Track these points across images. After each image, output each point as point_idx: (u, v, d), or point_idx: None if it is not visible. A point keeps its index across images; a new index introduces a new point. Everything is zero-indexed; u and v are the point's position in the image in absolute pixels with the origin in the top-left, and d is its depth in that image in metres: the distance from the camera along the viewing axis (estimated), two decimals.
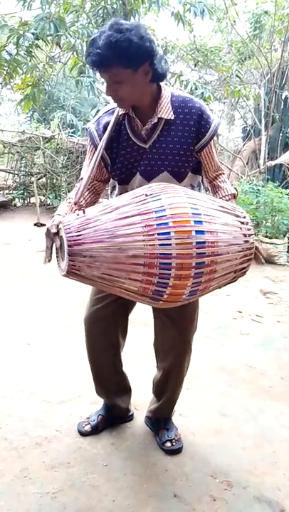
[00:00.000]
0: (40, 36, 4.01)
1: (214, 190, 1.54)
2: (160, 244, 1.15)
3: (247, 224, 1.32)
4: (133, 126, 1.42)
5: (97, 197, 1.53)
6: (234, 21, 7.00)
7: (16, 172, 7.89)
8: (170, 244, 1.15)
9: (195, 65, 7.35)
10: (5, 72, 4.22)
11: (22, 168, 7.91)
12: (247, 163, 7.24)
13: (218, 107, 8.53)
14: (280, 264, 4.66)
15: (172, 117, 1.38)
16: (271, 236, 4.82)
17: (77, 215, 1.18)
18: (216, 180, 1.52)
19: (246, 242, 1.29)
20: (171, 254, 1.15)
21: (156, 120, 1.38)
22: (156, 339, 1.73)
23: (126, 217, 1.17)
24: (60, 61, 5.01)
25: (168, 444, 1.71)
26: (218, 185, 1.52)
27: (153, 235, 1.15)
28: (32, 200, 7.59)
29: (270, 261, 4.69)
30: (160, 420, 1.80)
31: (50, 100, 9.81)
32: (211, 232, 1.21)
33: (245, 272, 1.35)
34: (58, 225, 1.20)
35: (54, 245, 1.22)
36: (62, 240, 1.18)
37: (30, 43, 4.06)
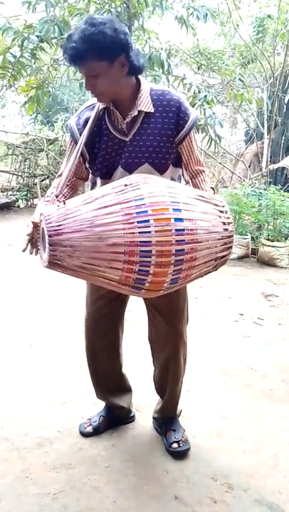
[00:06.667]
0: (44, 39, 4.02)
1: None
2: (140, 232, 1.16)
3: (226, 212, 1.33)
4: (113, 120, 1.42)
5: (75, 193, 1.55)
6: (237, 25, 7.02)
7: (20, 173, 7.92)
8: (149, 232, 1.16)
9: (198, 69, 7.36)
10: (9, 75, 4.23)
11: (25, 170, 7.95)
12: (249, 167, 7.25)
13: (220, 110, 8.53)
14: (281, 267, 4.66)
15: (152, 110, 1.39)
16: (273, 239, 4.82)
17: (58, 206, 1.19)
18: (195, 178, 1.53)
19: (226, 230, 1.31)
20: (150, 241, 1.16)
21: (136, 113, 1.39)
22: (149, 332, 1.73)
23: (106, 207, 1.18)
24: (64, 64, 5.03)
25: (175, 445, 1.70)
26: (196, 184, 1.53)
27: (132, 223, 1.16)
28: (35, 201, 7.63)
29: (271, 264, 4.70)
30: (166, 421, 1.79)
31: (54, 102, 9.85)
32: (190, 219, 1.22)
33: (225, 261, 1.36)
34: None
35: (34, 237, 1.29)
36: (43, 231, 1.19)
37: (35, 45, 4.07)
